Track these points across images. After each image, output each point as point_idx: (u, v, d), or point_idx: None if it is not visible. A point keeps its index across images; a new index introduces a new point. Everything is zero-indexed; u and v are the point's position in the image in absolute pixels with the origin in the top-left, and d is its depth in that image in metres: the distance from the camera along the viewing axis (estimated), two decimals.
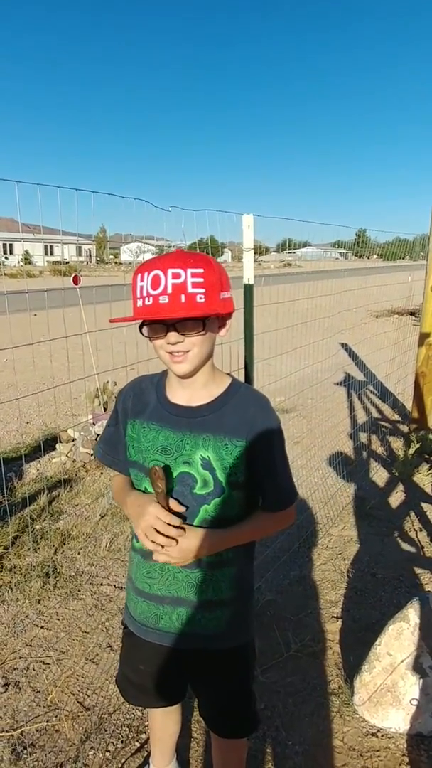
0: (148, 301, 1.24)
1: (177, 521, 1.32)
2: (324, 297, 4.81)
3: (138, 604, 1.53)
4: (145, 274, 1.25)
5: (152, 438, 1.40)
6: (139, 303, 1.26)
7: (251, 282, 2.60)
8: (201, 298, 1.24)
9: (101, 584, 3.14)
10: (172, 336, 1.28)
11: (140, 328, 1.32)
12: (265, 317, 3.45)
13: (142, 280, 1.26)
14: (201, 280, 1.23)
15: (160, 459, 1.38)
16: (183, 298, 1.22)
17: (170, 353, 1.30)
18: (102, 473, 4.61)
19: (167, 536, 1.31)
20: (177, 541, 1.32)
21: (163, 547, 1.32)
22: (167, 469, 1.36)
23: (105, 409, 5.39)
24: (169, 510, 1.33)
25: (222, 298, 1.30)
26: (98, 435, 4.96)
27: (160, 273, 1.23)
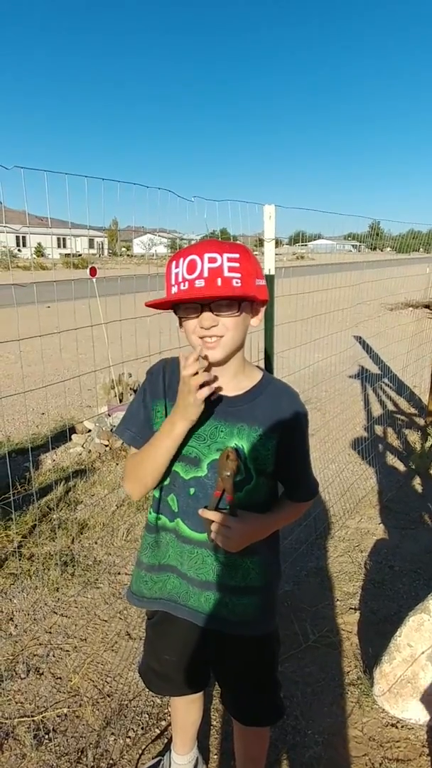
0: (184, 286, 1.23)
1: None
2: (339, 289, 4.78)
3: (170, 580, 1.52)
4: (181, 260, 1.25)
5: None
6: (174, 289, 1.26)
7: (272, 272, 2.58)
8: (237, 283, 1.23)
9: (119, 573, 3.15)
10: (207, 317, 1.25)
11: (174, 311, 1.32)
12: (282, 309, 3.43)
13: (177, 267, 1.25)
14: (237, 265, 1.23)
15: (194, 445, 1.38)
16: (219, 281, 1.22)
17: (202, 338, 1.28)
18: (117, 464, 4.62)
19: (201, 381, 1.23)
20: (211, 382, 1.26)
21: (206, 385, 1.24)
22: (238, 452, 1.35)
23: (120, 401, 5.40)
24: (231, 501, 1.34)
25: (258, 285, 1.29)
26: (113, 426, 4.97)
27: (196, 257, 1.22)
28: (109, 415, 5.11)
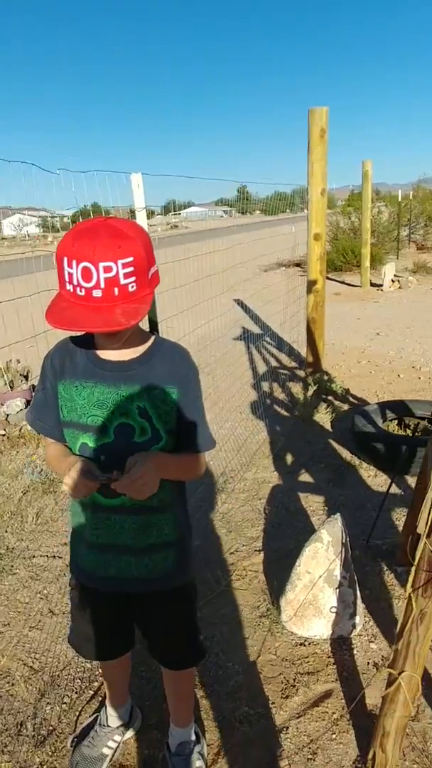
0: (80, 291, 1.25)
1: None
2: (213, 254, 4.96)
3: (88, 556, 1.62)
4: (74, 262, 1.24)
5: (87, 395, 1.46)
6: (69, 287, 1.27)
7: None
8: (133, 287, 1.27)
9: (33, 557, 3.21)
10: None
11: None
12: (161, 277, 3.55)
13: (70, 266, 1.25)
14: (132, 269, 1.26)
15: (98, 414, 1.45)
16: (116, 291, 1.25)
17: None
18: (17, 452, 4.60)
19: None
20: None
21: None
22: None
23: (11, 388, 5.32)
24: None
25: (150, 276, 1.34)
26: (8, 415, 4.92)
27: (91, 267, 1.23)
28: (2, 404, 5.04)
